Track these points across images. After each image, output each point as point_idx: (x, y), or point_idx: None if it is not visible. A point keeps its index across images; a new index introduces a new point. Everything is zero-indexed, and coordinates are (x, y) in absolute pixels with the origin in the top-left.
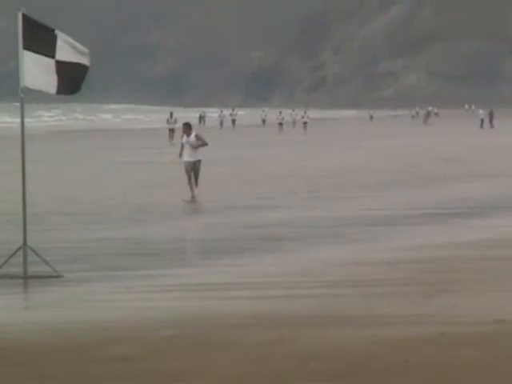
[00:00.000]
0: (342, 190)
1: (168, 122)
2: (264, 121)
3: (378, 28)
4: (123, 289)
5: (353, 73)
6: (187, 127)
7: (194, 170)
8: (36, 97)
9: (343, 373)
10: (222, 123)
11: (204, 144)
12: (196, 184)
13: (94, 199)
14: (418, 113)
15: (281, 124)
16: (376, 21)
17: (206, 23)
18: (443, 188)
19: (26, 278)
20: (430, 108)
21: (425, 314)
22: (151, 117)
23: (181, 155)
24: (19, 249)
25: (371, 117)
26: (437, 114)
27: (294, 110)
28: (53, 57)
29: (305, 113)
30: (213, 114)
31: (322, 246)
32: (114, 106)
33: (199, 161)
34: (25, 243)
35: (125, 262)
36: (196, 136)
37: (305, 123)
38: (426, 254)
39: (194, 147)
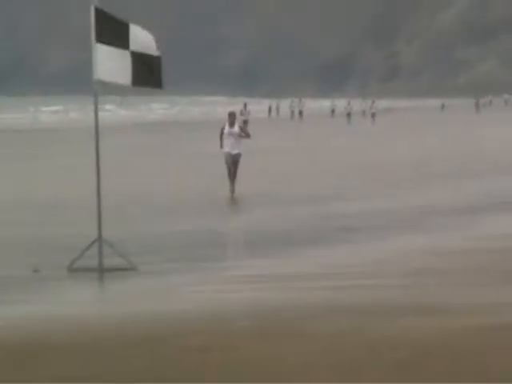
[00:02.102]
0: (417, 180)
1: (241, 113)
2: (333, 111)
3: (452, 16)
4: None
5: (427, 61)
6: (232, 117)
7: (234, 163)
8: (114, 90)
9: (419, 362)
10: (292, 114)
11: (247, 135)
12: (235, 177)
13: (169, 191)
14: (491, 101)
15: (349, 114)
16: (450, 8)
17: (279, 12)
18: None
19: (102, 271)
20: (506, 95)
21: (503, 303)
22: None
23: (222, 146)
24: (94, 241)
25: (443, 105)
26: None
27: (363, 100)
28: (127, 48)
29: (373, 102)
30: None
31: (398, 236)
32: (184, 99)
33: (239, 154)
34: (100, 236)
35: (201, 254)
36: (239, 127)
37: (373, 114)
38: (504, 243)
39: (237, 138)
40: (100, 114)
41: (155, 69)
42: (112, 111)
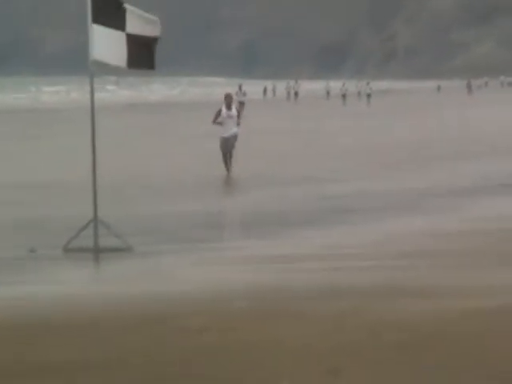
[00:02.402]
0: (414, 162)
1: (237, 94)
2: (328, 93)
3: None
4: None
5: (424, 43)
6: (229, 98)
7: (231, 145)
8: (111, 70)
9: (418, 343)
10: (288, 95)
11: (238, 122)
12: (230, 159)
13: (166, 172)
14: (486, 83)
15: (344, 96)
16: None
17: None
18: None
19: (97, 251)
20: (502, 77)
21: (500, 285)
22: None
23: (215, 122)
24: (90, 222)
25: (439, 87)
26: (510, 84)
27: (359, 82)
28: (123, 30)
29: (367, 84)
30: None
31: (395, 218)
32: (184, 79)
33: (236, 135)
34: (95, 216)
35: (197, 235)
36: (236, 109)
37: (368, 95)
38: (501, 224)
39: (235, 121)
40: (100, 94)
41: (150, 50)
42: (112, 91)
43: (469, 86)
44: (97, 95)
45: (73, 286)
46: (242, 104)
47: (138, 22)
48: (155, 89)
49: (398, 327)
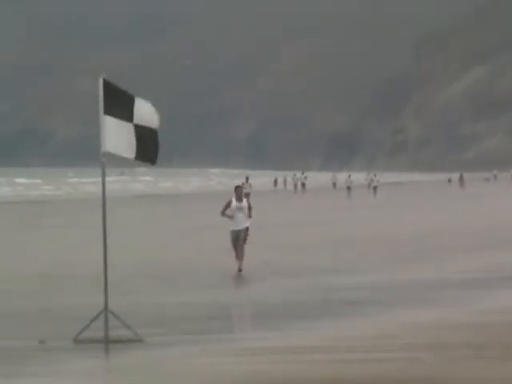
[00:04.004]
0: (422, 253)
1: (243, 186)
2: (334, 184)
3: (458, 90)
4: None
5: (433, 136)
6: (239, 191)
7: (242, 239)
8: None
9: None
10: (295, 186)
11: (249, 215)
12: (243, 254)
13: (173, 263)
14: (495, 175)
15: (349, 188)
16: (457, 83)
17: (285, 86)
18: None
19: (108, 343)
20: None
21: (506, 378)
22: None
23: (223, 214)
24: (100, 313)
25: (449, 180)
26: None
27: (369, 174)
28: (131, 121)
29: (374, 176)
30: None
31: (404, 310)
32: (192, 170)
33: (247, 228)
34: (106, 307)
35: (205, 326)
36: (247, 201)
37: (374, 187)
38: (509, 317)
39: (245, 214)
40: (114, 186)
41: (153, 143)
42: (121, 182)
43: (461, 180)
44: (110, 186)
45: (83, 378)
46: (247, 195)
47: (144, 113)
48: (162, 180)
49: None
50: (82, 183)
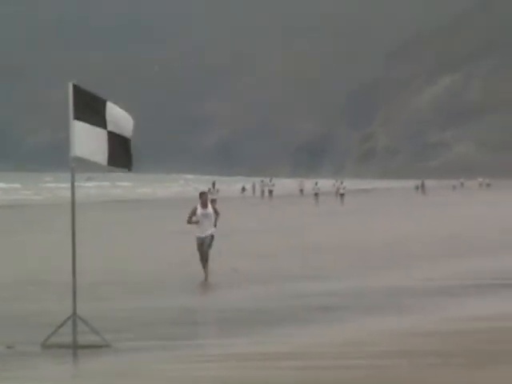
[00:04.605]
0: (393, 260)
1: (210, 191)
2: (302, 191)
3: (427, 99)
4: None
5: (402, 143)
6: (204, 197)
7: (207, 245)
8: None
9: None
10: (262, 193)
11: (217, 215)
12: (207, 261)
13: (143, 269)
14: (462, 183)
15: (316, 194)
16: (425, 92)
17: (256, 94)
18: (495, 258)
19: (76, 348)
20: (480, 179)
21: None
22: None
23: (189, 222)
24: (68, 318)
25: (417, 187)
26: (488, 185)
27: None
28: (104, 127)
29: (341, 183)
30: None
31: (373, 316)
32: (161, 176)
33: (213, 236)
34: (74, 313)
35: (174, 332)
36: (213, 207)
37: (341, 195)
38: (478, 325)
39: (211, 220)
40: (92, 191)
41: (128, 150)
42: (89, 188)
43: (422, 187)
44: (90, 191)
45: (51, 383)
46: (213, 201)
47: (118, 119)
48: (132, 185)
49: None
50: (60, 188)
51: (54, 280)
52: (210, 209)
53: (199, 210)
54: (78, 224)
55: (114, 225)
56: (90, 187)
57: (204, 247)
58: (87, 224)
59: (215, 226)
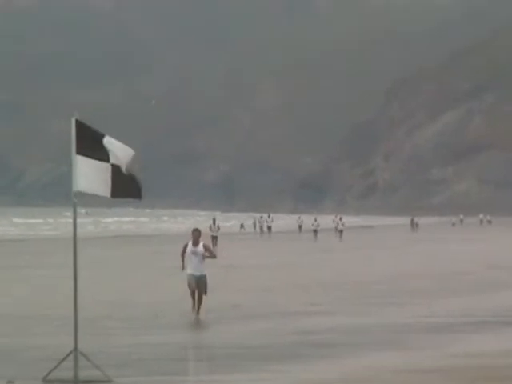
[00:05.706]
0: (391, 297)
1: (211, 228)
2: (300, 227)
3: (428, 135)
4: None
5: (403, 180)
6: (196, 234)
7: (198, 286)
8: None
9: None
10: (261, 229)
11: (212, 256)
12: (200, 302)
13: (144, 304)
14: (462, 220)
15: (315, 231)
16: (426, 128)
17: (256, 129)
18: (493, 295)
19: (77, 383)
20: (481, 215)
21: None
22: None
23: (184, 268)
24: (70, 353)
25: (417, 224)
26: (490, 222)
27: (336, 217)
28: (108, 161)
29: (340, 219)
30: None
31: (374, 353)
32: (162, 211)
33: (204, 276)
34: (76, 348)
35: (175, 367)
36: (204, 246)
37: (340, 231)
38: (477, 361)
39: (201, 259)
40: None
41: (133, 180)
42: (87, 223)
43: (412, 224)
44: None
45: None
46: (215, 238)
47: (119, 152)
48: (134, 220)
49: None
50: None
51: (54, 314)
52: (200, 247)
53: (189, 247)
54: (80, 259)
55: (119, 259)
56: (90, 223)
57: (194, 285)
58: (94, 259)
59: (204, 259)
